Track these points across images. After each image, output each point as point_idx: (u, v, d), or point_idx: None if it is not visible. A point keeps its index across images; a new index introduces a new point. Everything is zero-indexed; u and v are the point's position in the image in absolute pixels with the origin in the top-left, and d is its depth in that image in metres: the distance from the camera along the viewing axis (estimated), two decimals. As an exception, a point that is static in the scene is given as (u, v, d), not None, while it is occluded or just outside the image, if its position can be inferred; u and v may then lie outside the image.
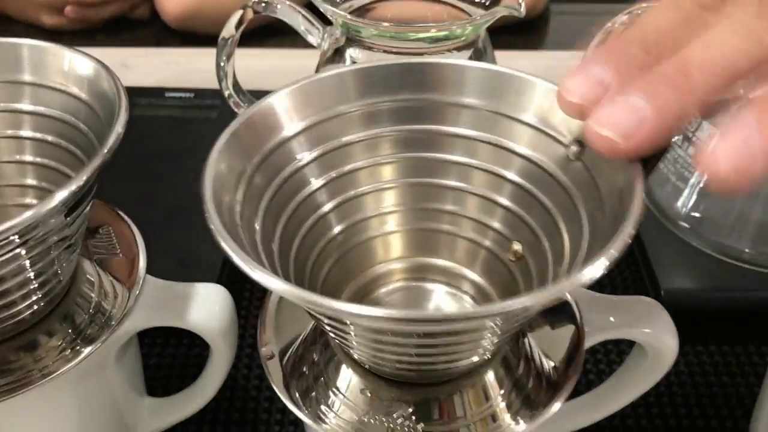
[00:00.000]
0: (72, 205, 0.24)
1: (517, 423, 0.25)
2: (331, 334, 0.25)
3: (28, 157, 0.28)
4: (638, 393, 0.30)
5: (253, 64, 0.47)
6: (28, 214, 0.21)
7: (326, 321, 0.23)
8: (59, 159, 0.28)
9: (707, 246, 0.41)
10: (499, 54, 0.42)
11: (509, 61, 0.41)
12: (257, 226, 0.24)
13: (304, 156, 0.26)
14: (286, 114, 0.25)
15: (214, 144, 0.24)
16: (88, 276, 0.29)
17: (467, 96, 0.25)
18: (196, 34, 0.71)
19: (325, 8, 0.37)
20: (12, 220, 0.21)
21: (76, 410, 0.29)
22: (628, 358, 0.30)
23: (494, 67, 0.25)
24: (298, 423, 0.36)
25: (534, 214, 0.26)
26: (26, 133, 0.28)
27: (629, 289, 0.43)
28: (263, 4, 0.41)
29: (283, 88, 0.26)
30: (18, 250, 0.23)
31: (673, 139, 0.40)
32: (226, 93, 0.43)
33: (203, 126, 0.50)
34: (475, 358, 0.25)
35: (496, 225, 0.26)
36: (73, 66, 0.28)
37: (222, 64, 0.43)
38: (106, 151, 0.24)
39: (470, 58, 0.39)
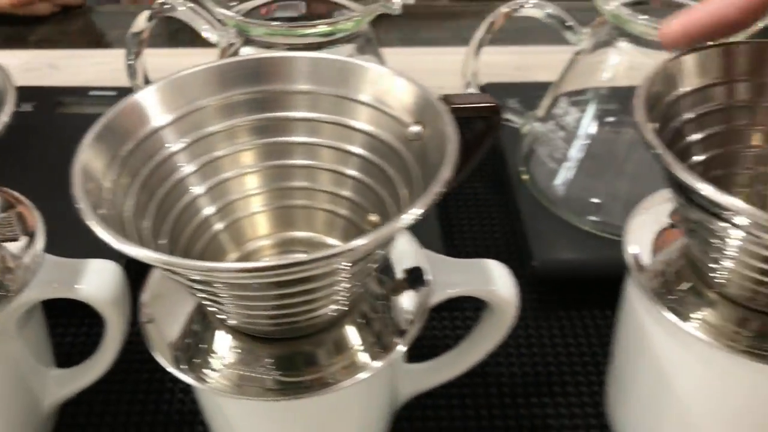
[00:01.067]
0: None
1: (368, 363, 0.29)
2: (201, 299, 0.28)
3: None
4: (492, 345, 0.34)
5: (167, 63, 0.50)
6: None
7: (188, 283, 0.26)
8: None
9: (577, 220, 0.45)
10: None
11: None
12: (129, 206, 0.27)
13: (174, 144, 0.29)
14: (156, 107, 0.29)
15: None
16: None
17: (309, 83, 0.29)
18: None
19: (215, 11, 0.40)
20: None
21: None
22: (480, 319, 0.34)
23: (330, 56, 0.29)
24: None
25: (380, 182, 0.29)
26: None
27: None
28: (166, 6, 0.44)
29: (152, 84, 0.29)
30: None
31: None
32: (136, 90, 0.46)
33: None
34: (332, 308, 0.28)
35: (348, 194, 0.30)
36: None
37: (131, 62, 0.46)
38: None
39: (358, 48, 0.42)
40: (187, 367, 0.29)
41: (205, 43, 0.46)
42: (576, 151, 0.45)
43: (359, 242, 0.23)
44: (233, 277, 0.24)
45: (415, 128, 0.29)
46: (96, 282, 0.32)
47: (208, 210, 0.30)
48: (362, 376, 0.29)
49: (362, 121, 0.29)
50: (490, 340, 0.34)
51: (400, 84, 0.29)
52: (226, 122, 0.29)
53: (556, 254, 0.43)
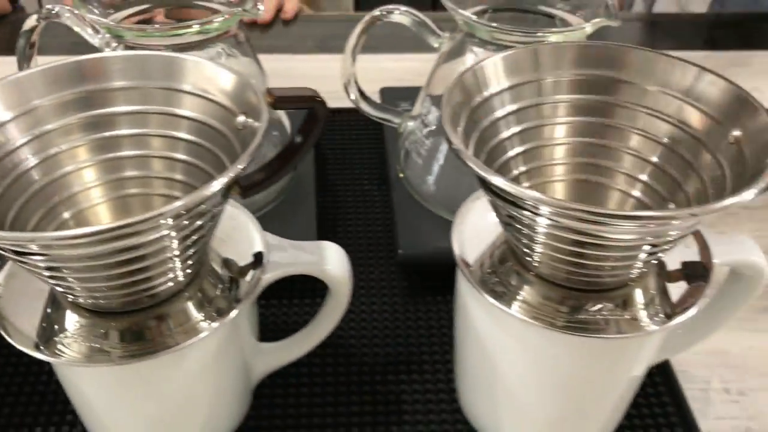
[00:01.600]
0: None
1: (207, 326, 0.31)
2: (46, 279, 0.30)
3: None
4: (333, 323, 0.37)
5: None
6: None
7: (25, 261, 0.28)
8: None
9: (444, 213, 0.48)
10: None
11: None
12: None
13: (16, 141, 0.31)
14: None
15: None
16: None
17: (127, 80, 0.32)
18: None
19: (89, 18, 0.43)
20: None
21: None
22: (323, 301, 0.37)
23: (141, 53, 0.32)
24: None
25: (210, 164, 0.32)
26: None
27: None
28: (53, 12, 0.46)
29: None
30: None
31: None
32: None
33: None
34: (168, 281, 0.31)
35: (180, 177, 0.33)
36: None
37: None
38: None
39: (227, 48, 0.45)
40: (44, 346, 0.31)
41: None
42: (437, 148, 0.48)
43: (175, 204, 0.25)
44: (65, 242, 0.26)
45: (242, 119, 0.32)
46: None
47: (53, 201, 0.33)
48: (202, 336, 0.31)
49: (188, 109, 0.32)
50: (332, 318, 0.37)
51: (223, 75, 0.31)
52: (61, 120, 0.32)
53: (419, 244, 0.46)
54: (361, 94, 0.51)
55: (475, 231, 0.36)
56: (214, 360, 0.34)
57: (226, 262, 0.34)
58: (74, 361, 0.31)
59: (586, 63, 0.34)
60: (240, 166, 0.27)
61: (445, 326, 0.46)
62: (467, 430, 0.40)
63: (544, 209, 0.27)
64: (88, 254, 0.27)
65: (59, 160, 0.32)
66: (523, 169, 0.34)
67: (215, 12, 0.46)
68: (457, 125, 0.30)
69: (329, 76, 0.53)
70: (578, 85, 0.34)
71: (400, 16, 0.48)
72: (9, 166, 0.31)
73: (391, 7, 0.48)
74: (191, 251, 0.30)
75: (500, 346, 0.35)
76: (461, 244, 0.35)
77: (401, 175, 0.51)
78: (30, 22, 0.47)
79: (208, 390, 0.35)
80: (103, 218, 0.34)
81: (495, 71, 0.33)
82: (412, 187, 0.50)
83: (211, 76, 0.31)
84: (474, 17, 0.44)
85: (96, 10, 0.45)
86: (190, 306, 0.32)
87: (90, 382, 0.34)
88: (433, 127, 0.48)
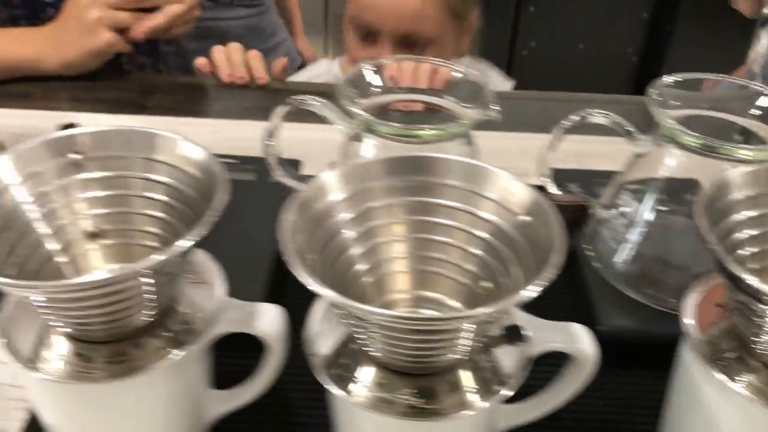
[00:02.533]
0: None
1: (477, 402, 0.37)
2: (357, 337, 0.37)
3: (157, 213, 0.41)
4: (572, 392, 0.42)
5: (296, 136, 0.60)
6: (160, 256, 0.33)
7: (352, 322, 0.35)
8: (179, 218, 0.40)
9: (635, 293, 0.53)
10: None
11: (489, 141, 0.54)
12: (314, 262, 0.36)
13: (342, 215, 0.39)
14: (334, 187, 0.38)
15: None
16: (184, 296, 0.41)
17: (452, 179, 0.38)
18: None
19: (352, 111, 0.50)
20: (146, 259, 0.33)
21: (168, 396, 0.41)
22: (564, 370, 0.43)
23: (472, 161, 0.38)
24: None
25: (499, 260, 0.38)
26: (155, 195, 0.41)
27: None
28: (302, 101, 0.54)
29: (333, 171, 0.38)
30: (144, 279, 0.35)
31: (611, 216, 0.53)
32: (271, 166, 0.56)
33: (246, 186, 0.62)
34: (454, 356, 0.37)
35: (472, 268, 0.39)
36: (189, 152, 0.40)
37: (268, 143, 0.56)
38: (215, 213, 0.36)
39: (461, 144, 0.52)
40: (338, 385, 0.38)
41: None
42: (634, 236, 0.54)
43: (491, 308, 0.32)
44: (386, 320, 0.33)
45: (526, 218, 0.38)
46: (269, 321, 0.41)
47: (361, 266, 0.39)
48: (467, 413, 0.37)
49: (487, 212, 0.38)
50: (571, 388, 0.42)
51: (516, 185, 0.38)
52: (387, 200, 0.39)
53: (616, 321, 0.52)
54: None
55: (700, 316, 0.42)
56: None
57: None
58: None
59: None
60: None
61: (635, 398, 0.51)
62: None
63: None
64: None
65: (376, 231, 0.39)
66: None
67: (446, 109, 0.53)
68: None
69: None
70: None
71: (600, 118, 0.54)
72: (334, 233, 0.38)
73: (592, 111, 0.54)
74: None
75: (723, 425, 0.40)
76: (691, 326, 0.41)
77: (589, 254, 0.57)
78: (280, 110, 0.55)
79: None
80: (400, 285, 0.40)
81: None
82: (602, 267, 0.55)
83: (508, 185, 0.38)
84: (677, 125, 0.50)
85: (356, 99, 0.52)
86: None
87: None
88: (632, 217, 0.54)
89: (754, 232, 0.40)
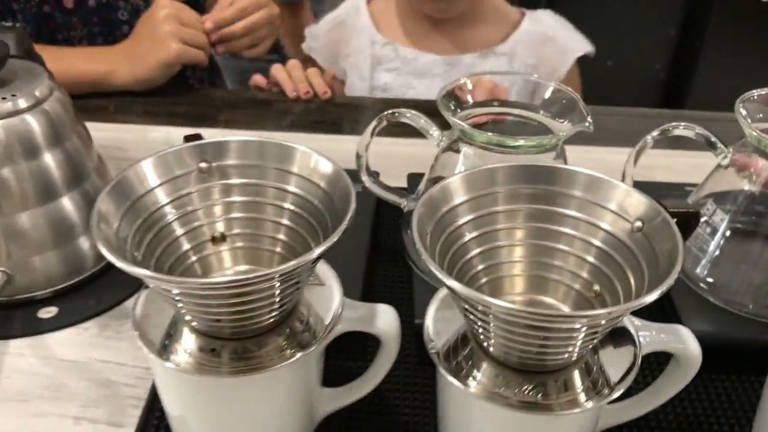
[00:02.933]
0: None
1: (587, 401, 0.39)
2: (476, 332, 0.39)
3: (284, 221, 0.43)
4: (675, 392, 0.44)
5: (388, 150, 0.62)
6: (292, 262, 0.35)
7: (474, 317, 0.37)
8: (303, 226, 0.43)
9: (718, 300, 0.55)
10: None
11: (573, 154, 0.56)
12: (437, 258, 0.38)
13: (464, 218, 0.41)
14: (457, 191, 0.41)
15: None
16: (305, 298, 0.43)
17: (574, 189, 0.40)
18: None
19: (452, 121, 0.52)
20: (286, 264, 0.35)
21: (288, 393, 0.43)
22: (667, 369, 0.44)
23: (594, 173, 0.40)
24: (429, 412, 0.50)
25: (611, 267, 0.40)
26: (286, 204, 0.43)
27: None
28: (396, 114, 0.56)
29: (457, 175, 0.41)
30: (274, 283, 0.37)
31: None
32: (363, 177, 0.59)
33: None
34: (567, 356, 0.39)
35: (585, 275, 0.41)
36: (320, 165, 0.42)
37: (361, 155, 0.58)
38: (344, 226, 0.37)
39: (555, 156, 0.54)
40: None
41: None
42: (718, 244, 0.56)
43: (613, 310, 0.34)
44: (513, 314, 0.35)
45: (638, 224, 0.40)
46: (385, 321, 0.43)
47: (478, 266, 0.42)
48: (577, 411, 0.39)
49: (605, 221, 0.40)
50: (675, 388, 0.44)
51: (634, 195, 0.40)
52: (508, 206, 0.41)
53: (703, 327, 0.54)
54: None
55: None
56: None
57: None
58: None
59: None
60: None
61: (724, 401, 0.52)
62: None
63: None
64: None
65: (495, 235, 0.41)
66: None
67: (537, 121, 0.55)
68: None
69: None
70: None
71: (685, 130, 0.56)
72: (456, 237, 0.40)
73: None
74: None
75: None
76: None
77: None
78: (373, 123, 0.57)
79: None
80: (514, 288, 0.42)
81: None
82: (689, 277, 0.57)
83: (624, 195, 0.40)
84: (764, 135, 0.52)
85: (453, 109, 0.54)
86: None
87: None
88: (716, 226, 0.56)
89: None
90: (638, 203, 0.40)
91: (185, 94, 0.95)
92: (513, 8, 1.08)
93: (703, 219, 0.57)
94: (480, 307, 0.36)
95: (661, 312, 0.58)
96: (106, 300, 0.58)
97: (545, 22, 1.06)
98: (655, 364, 0.54)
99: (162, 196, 0.42)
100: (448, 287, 0.35)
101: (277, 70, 0.97)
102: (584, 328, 0.37)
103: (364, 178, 0.59)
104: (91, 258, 0.60)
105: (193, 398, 0.42)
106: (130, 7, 0.96)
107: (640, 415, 0.46)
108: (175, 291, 0.38)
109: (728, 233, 0.56)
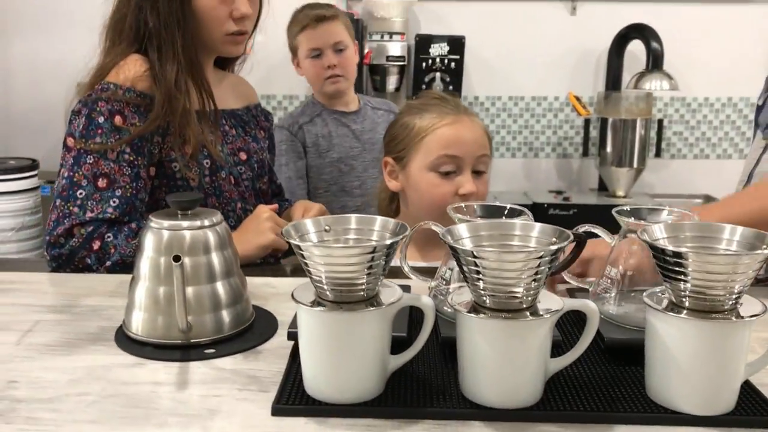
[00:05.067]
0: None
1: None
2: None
3: None
4: (589, 339, 0.79)
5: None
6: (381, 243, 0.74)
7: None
8: None
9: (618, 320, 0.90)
10: None
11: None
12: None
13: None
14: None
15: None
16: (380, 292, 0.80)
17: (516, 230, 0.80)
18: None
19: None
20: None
21: (377, 334, 0.77)
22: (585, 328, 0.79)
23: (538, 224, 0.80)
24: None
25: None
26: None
27: None
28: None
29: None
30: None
31: None
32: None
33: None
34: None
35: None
36: None
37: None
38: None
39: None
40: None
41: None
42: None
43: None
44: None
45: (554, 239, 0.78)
46: (426, 300, 0.79)
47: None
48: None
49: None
50: (588, 336, 0.79)
51: (546, 227, 0.79)
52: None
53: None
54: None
55: None
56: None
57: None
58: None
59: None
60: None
61: None
62: None
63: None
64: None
65: None
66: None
67: None
68: None
69: None
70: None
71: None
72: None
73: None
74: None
75: None
76: None
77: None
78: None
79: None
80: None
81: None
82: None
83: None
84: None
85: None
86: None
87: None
88: None
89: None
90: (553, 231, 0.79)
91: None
92: None
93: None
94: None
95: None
96: (243, 345, 0.93)
97: None
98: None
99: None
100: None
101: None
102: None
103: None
104: (228, 324, 0.95)
105: (321, 332, 0.76)
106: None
107: (574, 359, 0.79)
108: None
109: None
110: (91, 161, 1.27)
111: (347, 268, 0.75)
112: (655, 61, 3.07)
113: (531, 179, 3.42)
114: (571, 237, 0.75)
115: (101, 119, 1.28)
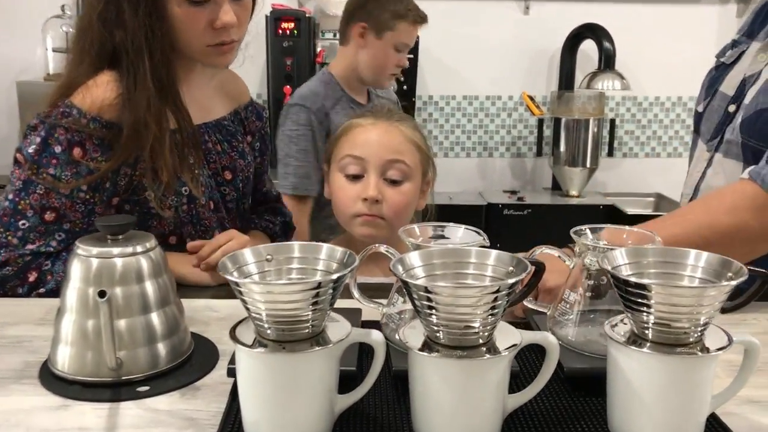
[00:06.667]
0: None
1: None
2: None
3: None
4: (549, 372, 0.74)
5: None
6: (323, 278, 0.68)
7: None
8: None
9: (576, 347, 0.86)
10: None
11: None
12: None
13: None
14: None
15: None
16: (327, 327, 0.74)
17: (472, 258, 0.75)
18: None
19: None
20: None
21: (323, 376, 0.71)
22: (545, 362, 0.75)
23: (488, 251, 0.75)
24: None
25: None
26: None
27: None
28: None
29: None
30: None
31: None
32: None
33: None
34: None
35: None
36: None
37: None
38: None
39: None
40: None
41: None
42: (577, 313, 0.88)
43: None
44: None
45: (510, 269, 0.74)
46: (377, 335, 0.73)
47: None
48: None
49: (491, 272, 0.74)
50: (548, 369, 0.74)
51: (502, 255, 0.74)
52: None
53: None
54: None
55: None
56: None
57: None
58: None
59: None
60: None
61: None
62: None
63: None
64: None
65: None
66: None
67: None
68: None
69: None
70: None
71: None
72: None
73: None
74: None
75: None
76: None
77: None
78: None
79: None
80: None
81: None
82: None
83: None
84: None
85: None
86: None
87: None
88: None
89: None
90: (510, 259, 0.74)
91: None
92: None
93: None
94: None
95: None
96: (180, 381, 0.86)
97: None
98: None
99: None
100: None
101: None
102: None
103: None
104: (164, 358, 0.88)
105: (263, 375, 0.70)
106: None
107: (534, 394, 0.75)
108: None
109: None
110: (41, 192, 1.13)
111: (290, 305, 0.69)
112: (607, 61, 3.07)
113: (485, 179, 3.40)
114: (529, 267, 0.70)
115: (58, 148, 1.13)
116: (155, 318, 0.88)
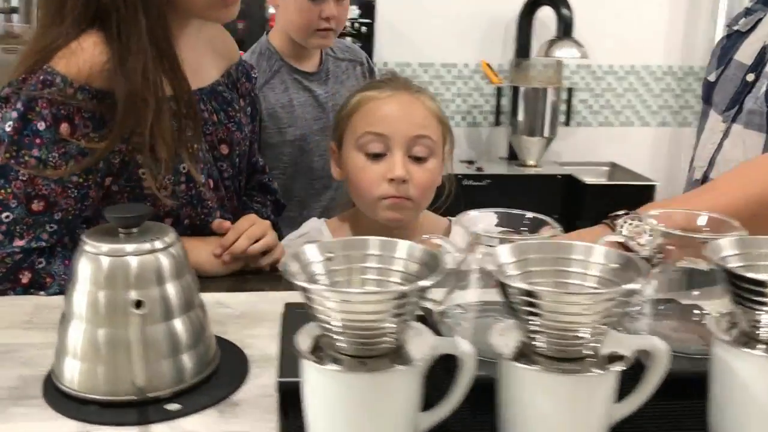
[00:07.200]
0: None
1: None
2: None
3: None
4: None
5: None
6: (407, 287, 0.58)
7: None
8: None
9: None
10: None
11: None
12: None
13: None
14: None
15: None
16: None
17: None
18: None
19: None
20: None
21: (411, 395, 0.61)
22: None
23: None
24: None
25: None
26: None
27: None
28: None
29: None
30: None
31: None
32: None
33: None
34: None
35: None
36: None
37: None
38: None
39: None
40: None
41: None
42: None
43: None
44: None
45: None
46: (466, 346, 0.64)
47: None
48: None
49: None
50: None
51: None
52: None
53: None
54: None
55: None
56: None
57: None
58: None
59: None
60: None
61: None
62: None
63: None
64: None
65: None
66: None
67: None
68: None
69: None
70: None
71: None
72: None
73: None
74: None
75: None
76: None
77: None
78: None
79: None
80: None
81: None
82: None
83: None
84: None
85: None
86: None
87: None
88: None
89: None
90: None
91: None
92: (441, 218, 1.32)
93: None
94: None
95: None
96: (213, 396, 0.74)
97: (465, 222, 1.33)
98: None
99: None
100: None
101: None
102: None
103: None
104: (190, 370, 0.76)
105: (341, 395, 0.60)
106: None
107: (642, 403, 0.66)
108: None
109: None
110: (24, 178, 0.96)
111: (370, 317, 0.59)
112: (565, 29, 3.02)
113: (440, 149, 3.32)
114: (645, 268, 0.62)
115: (41, 125, 0.96)
116: (179, 325, 0.76)
